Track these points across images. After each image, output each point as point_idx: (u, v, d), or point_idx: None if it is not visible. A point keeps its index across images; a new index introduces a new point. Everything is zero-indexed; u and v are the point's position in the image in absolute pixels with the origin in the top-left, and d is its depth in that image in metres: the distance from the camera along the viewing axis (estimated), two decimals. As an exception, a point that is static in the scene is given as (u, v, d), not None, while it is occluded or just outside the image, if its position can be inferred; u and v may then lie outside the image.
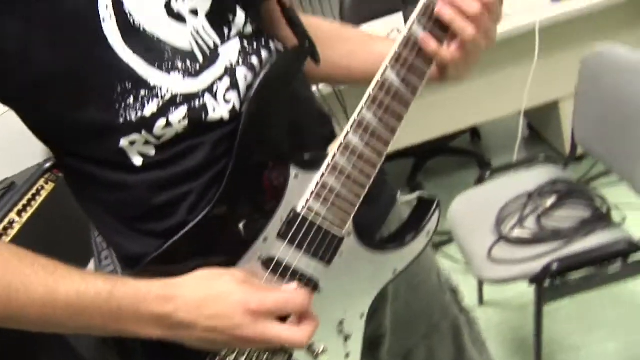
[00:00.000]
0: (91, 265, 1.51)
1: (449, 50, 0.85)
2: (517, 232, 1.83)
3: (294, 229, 0.81)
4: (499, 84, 2.70)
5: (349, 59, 1.04)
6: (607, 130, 1.86)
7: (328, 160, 0.82)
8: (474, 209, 2.04)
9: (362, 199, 0.84)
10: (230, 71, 0.81)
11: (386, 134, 0.84)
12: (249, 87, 0.82)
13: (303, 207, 0.81)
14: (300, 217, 0.81)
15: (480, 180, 2.17)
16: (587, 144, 2.00)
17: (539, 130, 3.33)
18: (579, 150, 2.07)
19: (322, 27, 1.05)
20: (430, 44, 0.83)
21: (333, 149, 0.82)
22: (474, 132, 3.59)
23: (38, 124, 0.80)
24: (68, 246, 1.35)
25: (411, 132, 2.67)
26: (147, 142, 0.78)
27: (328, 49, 1.00)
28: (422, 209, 0.96)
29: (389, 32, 2.83)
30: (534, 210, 1.88)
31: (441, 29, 0.85)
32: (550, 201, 1.89)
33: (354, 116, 0.82)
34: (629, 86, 1.74)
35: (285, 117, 0.84)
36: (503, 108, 2.79)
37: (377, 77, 0.83)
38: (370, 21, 3.20)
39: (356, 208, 0.84)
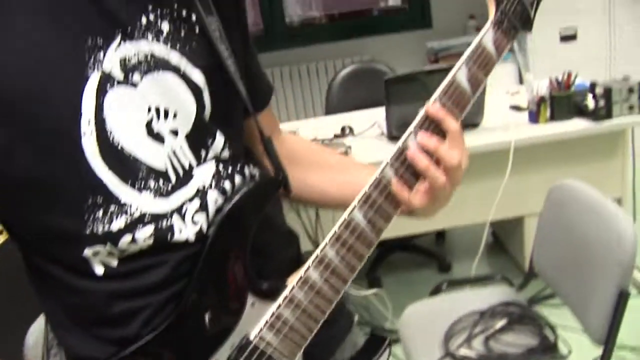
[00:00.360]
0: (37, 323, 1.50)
1: (418, 199, 0.88)
2: (464, 351, 1.85)
3: (244, 356, 0.83)
4: (470, 193, 2.76)
5: (324, 185, 1.06)
6: (562, 261, 1.91)
7: (286, 292, 0.83)
8: (426, 319, 2.06)
9: (314, 332, 0.86)
10: (201, 194, 0.83)
11: (346, 272, 0.86)
12: (218, 210, 0.84)
13: (256, 336, 0.83)
14: (252, 346, 0.82)
15: (436, 291, 2.20)
16: (542, 269, 2.04)
17: (503, 241, 3.40)
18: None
19: (302, 149, 1.09)
20: (403, 193, 0.86)
21: (292, 281, 0.84)
22: (440, 233, 3.65)
23: (8, 220, 0.82)
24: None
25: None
26: (110, 254, 0.79)
27: (305, 173, 1.04)
28: (373, 345, 0.98)
29: (371, 124, 2.92)
30: (483, 331, 1.92)
31: (413, 174, 0.87)
32: (500, 323, 1.93)
33: (317, 252, 0.84)
34: (583, 224, 1.80)
35: (249, 242, 0.85)
36: (471, 217, 2.85)
37: (344, 216, 0.85)
38: (354, 110, 3.29)
39: (307, 341, 0.86)
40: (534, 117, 2.70)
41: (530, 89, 2.71)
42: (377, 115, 3.01)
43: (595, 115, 2.63)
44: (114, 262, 0.80)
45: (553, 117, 2.69)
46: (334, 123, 3.05)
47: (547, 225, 2.02)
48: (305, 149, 1.11)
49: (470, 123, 2.71)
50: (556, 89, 2.68)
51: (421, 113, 0.88)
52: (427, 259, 3.45)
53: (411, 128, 0.88)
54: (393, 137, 2.64)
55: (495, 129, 2.72)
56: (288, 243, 1.02)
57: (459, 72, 0.89)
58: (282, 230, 1.02)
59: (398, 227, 2.93)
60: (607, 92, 2.61)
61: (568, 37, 4.14)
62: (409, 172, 0.87)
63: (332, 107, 3.56)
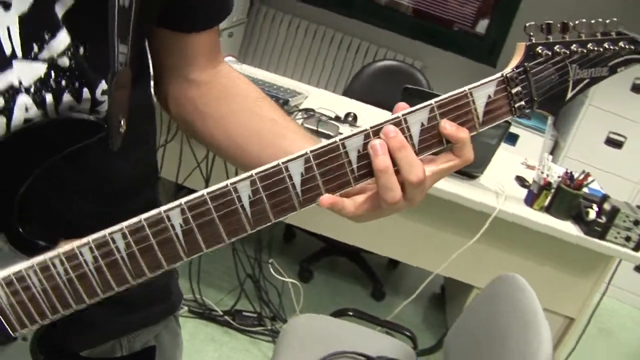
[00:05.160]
0: None
1: (354, 204, 0.72)
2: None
3: None
4: (434, 238, 2.62)
5: (245, 142, 0.86)
6: (473, 354, 1.77)
7: (54, 253, 0.67)
8: (312, 336, 1.92)
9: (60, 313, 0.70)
10: (10, 93, 0.66)
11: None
12: (26, 121, 0.68)
13: None
14: None
15: (340, 314, 2.07)
16: (451, 347, 1.90)
17: (446, 299, 3.25)
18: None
19: (238, 90, 0.90)
20: (329, 192, 0.69)
21: (67, 247, 0.67)
22: (394, 261, 3.48)
23: None
24: None
25: (341, 229, 2.59)
26: None
27: (228, 116, 0.87)
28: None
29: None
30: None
31: (361, 169, 0.69)
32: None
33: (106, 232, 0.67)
34: (508, 327, 1.66)
35: (30, 178, 0.69)
36: (424, 261, 2.69)
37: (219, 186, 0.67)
38: (372, 105, 3.12)
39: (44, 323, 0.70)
40: (531, 200, 2.51)
41: (543, 170, 2.52)
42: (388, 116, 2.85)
43: (589, 228, 2.44)
44: None
45: (549, 209, 2.50)
46: (344, 105, 2.89)
47: (478, 309, 1.87)
48: (242, 90, 0.91)
49: (469, 173, 2.54)
50: (566, 183, 2.49)
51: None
52: (367, 277, 3.30)
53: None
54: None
55: (488, 191, 2.54)
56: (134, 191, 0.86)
57: (415, 116, 0.70)
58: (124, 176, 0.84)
59: (357, 237, 2.81)
60: (613, 212, 2.43)
61: (614, 143, 3.94)
62: (359, 164, 0.69)
63: (351, 91, 3.38)
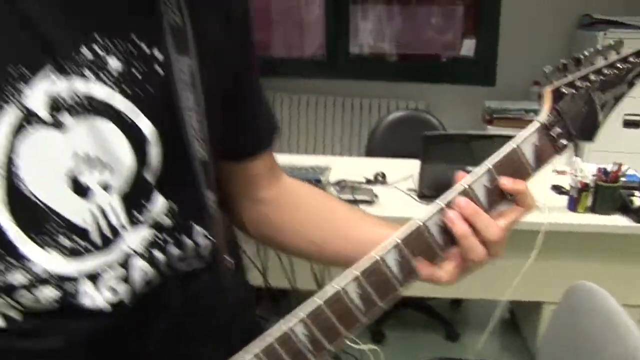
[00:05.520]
0: None
1: (447, 272, 0.79)
2: None
3: None
4: (491, 268, 2.64)
5: (323, 240, 0.94)
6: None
7: None
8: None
9: None
10: (126, 261, 0.73)
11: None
12: (147, 283, 0.75)
13: None
14: None
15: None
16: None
17: (518, 322, 3.25)
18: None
19: (305, 196, 0.99)
20: (428, 269, 0.77)
21: None
22: (456, 300, 3.51)
23: None
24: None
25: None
26: (11, 307, 0.70)
27: (302, 223, 0.95)
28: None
29: (406, 176, 2.84)
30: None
31: (445, 240, 0.77)
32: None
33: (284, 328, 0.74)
34: (594, 336, 1.67)
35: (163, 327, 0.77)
36: (488, 292, 2.72)
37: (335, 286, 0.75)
38: (395, 157, 3.21)
39: None
40: (573, 204, 2.55)
41: (576, 173, 2.57)
42: (415, 168, 2.92)
43: (638, 215, 2.48)
44: (18, 316, 0.71)
45: (594, 208, 2.54)
46: (369, 166, 2.97)
47: (559, 326, 1.89)
48: (308, 196, 1.00)
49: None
50: (602, 179, 2.54)
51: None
52: (437, 323, 3.32)
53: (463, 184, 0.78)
54: (424, 195, 2.53)
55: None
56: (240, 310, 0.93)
57: (478, 182, 0.77)
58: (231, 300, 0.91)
59: (414, 287, 2.84)
60: (657, 192, 2.47)
61: (631, 123, 3.97)
62: (442, 237, 0.77)
63: (373, 149, 3.48)
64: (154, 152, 0.74)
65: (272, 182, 0.98)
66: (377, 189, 2.69)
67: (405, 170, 2.91)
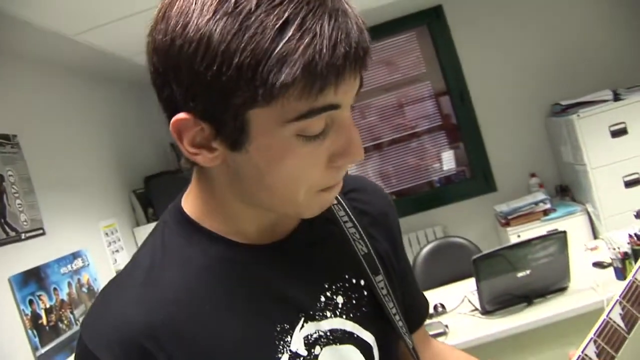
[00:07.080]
0: None
1: None
2: None
3: None
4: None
5: None
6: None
7: None
8: None
9: None
10: None
11: None
12: None
13: None
14: None
15: None
16: None
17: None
18: None
19: (451, 356, 1.18)
20: None
21: None
22: None
23: None
24: None
25: None
26: None
27: None
28: None
29: (460, 300, 3.02)
30: None
31: None
32: None
33: None
34: None
35: None
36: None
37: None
38: (440, 287, 3.40)
39: None
40: (620, 274, 2.73)
41: (610, 244, 2.77)
42: (464, 290, 3.10)
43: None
44: None
45: (640, 271, 2.71)
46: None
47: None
48: (453, 356, 1.19)
49: (559, 288, 2.77)
50: (636, 243, 2.73)
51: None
52: None
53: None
54: (487, 312, 2.71)
55: (584, 290, 2.73)
56: None
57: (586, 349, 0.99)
58: None
59: None
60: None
61: (633, 183, 4.21)
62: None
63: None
64: (377, 354, 0.94)
65: (426, 346, 1.17)
66: (442, 319, 2.87)
67: (457, 295, 3.09)
